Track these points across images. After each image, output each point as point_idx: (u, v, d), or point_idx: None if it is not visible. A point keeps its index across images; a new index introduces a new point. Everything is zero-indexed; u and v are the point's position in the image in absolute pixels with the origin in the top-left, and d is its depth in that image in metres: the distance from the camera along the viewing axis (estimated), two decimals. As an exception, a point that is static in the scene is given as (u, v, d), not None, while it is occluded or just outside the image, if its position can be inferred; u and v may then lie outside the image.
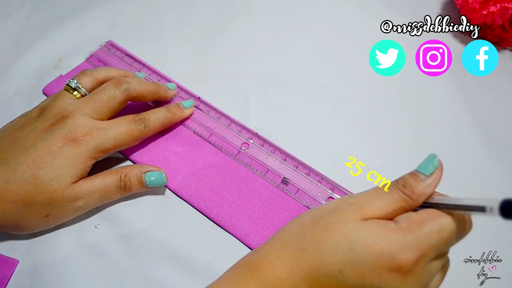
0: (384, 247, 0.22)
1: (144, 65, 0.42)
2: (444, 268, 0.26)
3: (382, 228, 0.23)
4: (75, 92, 0.33)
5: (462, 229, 0.25)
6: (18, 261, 0.32)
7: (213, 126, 0.38)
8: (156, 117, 0.35)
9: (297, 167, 0.36)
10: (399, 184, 0.25)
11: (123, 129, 0.32)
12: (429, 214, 0.24)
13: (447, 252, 0.25)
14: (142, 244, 0.32)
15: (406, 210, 0.25)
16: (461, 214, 0.24)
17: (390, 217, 0.24)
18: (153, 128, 0.35)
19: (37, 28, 0.45)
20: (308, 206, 0.34)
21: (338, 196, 0.34)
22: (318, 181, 0.35)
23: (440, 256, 0.24)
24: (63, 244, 0.32)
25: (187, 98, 0.40)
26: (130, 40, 0.44)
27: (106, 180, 0.32)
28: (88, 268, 0.31)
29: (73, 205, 0.31)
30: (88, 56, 0.42)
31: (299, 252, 0.24)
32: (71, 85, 0.33)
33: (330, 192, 0.35)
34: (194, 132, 0.38)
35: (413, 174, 0.26)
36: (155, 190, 0.35)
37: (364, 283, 0.23)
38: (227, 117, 0.39)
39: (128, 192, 0.33)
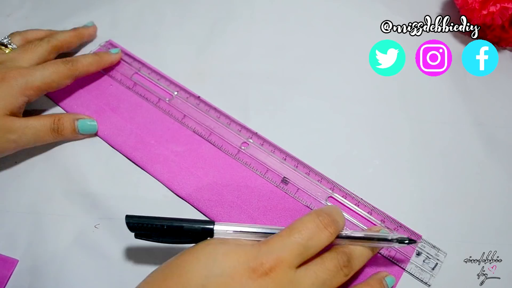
0: (241, 255, 0.25)
1: (143, 64, 0.42)
2: (335, 276, 0.26)
3: (240, 243, 0.26)
4: (7, 49, 0.37)
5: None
6: (17, 261, 0.32)
7: (212, 126, 0.38)
8: (84, 58, 0.38)
9: (297, 166, 0.36)
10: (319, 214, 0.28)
11: (51, 67, 0.35)
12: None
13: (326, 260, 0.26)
14: (141, 244, 0.32)
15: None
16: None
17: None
18: (81, 66, 0.37)
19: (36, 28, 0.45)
20: (308, 206, 0.34)
21: (338, 196, 0.34)
22: (318, 181, 0.35)
23: (311, 263, 0.26)
24: (62, 244, 0.32)
25: (187, 97, 0.40)
26: (130, 40, 0.44)
27: (40, 120, 0.35)
28: (88, 268, 0.31)
29: (6, 137, 0.33)
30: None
31: (161, 282, 0.25)
32: (3, 42, 0.37)
33: (330, 191, 0.35)
34: (194, 132, 0.38)
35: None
36: (90, 138, 0.38)
37: None
38: (227, 116, 0.39)
39: (60, 136, 0.36)
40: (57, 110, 0.39)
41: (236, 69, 0.43)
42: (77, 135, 0.37)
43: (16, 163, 0.36)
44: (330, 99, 0.41)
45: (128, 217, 0.27)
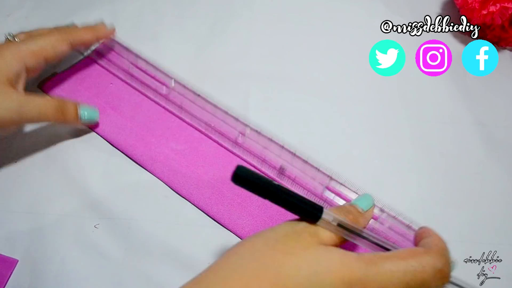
0: (345, 274, 0.22)
1: (138, 56, 0.42)
2: None
3: (345, 255, 0.23)
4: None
5: (437, 274, 0.23)
6: (17, 261, 0.32)
7: (210, 121, 0.38)
8: (78, 28, 0.38)
9: (294, 155, 0.35)
10: (343, 211, 0.25)
11: (45, 34, 0.35)
12: (396, 253, 0.23)
13: None
14: (141, 244, 0.32)
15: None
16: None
17: (341, 243, 0.25)
18: (75, 33, 0.37)
19: (36, 28, 0.45)
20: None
21: (336, 186, 0.34)
22: (313, 175, 0.35)
23: None
24: (62, 244, 0.32)
25: (186, 96, 0.40)
26: (130, 40, 0.44)
27: (44, 98, 0.34)
28: (88, 268, 0.31)
29: (6, 104, 0.31)
30: (90, 53, 0.42)
31: (253, 278, 0.22)
32: (8, 38, 0.36)
33: (327, 181, 0.34)
34: (193, 126, 0.38)
35: (353, 205, 0.26)
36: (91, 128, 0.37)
37: None
38: (223, 110, 0.39)
39: (62, 116, 0.34)
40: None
41: (236, 69, 0.43)
42: (78, 120, 0.36)
43: (16, 163, 0.36)
44: (330, 99, 0.41)
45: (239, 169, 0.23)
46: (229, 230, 0.33)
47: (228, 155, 0.36)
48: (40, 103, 0.33)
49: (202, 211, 0.34)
